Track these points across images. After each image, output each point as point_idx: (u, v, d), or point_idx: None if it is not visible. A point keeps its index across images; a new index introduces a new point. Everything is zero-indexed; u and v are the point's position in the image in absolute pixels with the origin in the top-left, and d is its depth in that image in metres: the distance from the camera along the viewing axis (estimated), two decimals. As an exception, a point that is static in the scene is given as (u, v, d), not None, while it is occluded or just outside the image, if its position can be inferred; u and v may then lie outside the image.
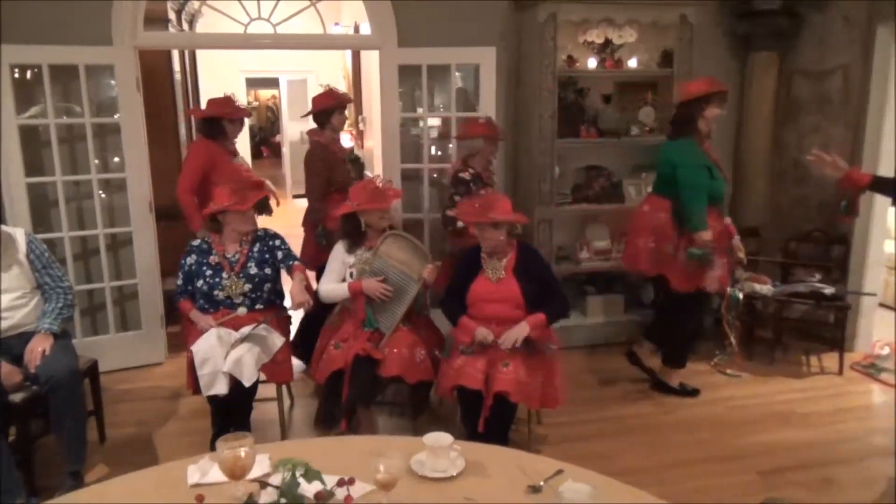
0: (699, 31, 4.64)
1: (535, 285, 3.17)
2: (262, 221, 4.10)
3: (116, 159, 4.35)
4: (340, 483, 1.65)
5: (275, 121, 15.25)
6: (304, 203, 4.29)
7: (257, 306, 3.35)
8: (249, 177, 4.10)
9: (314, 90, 10.84)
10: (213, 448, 1.84)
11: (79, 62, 4.02)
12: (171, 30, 5.17)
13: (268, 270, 3.38)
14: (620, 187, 4.88)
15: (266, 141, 16.19)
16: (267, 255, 3.39)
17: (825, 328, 4.53)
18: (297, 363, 3.84)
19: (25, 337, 2.97)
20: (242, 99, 10.36)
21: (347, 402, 3.15)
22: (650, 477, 3.07)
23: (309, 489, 1.60)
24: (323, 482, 1.59)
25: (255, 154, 14.70)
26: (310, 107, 4.12)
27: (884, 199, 4.16)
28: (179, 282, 3.37)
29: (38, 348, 2.90)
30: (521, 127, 4.70)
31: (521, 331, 3.03)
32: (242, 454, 1.63)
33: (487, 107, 4.50)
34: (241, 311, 3.25)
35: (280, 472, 1.58)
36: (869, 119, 4.43)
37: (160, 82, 5.06)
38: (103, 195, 4.33)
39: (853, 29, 4.50)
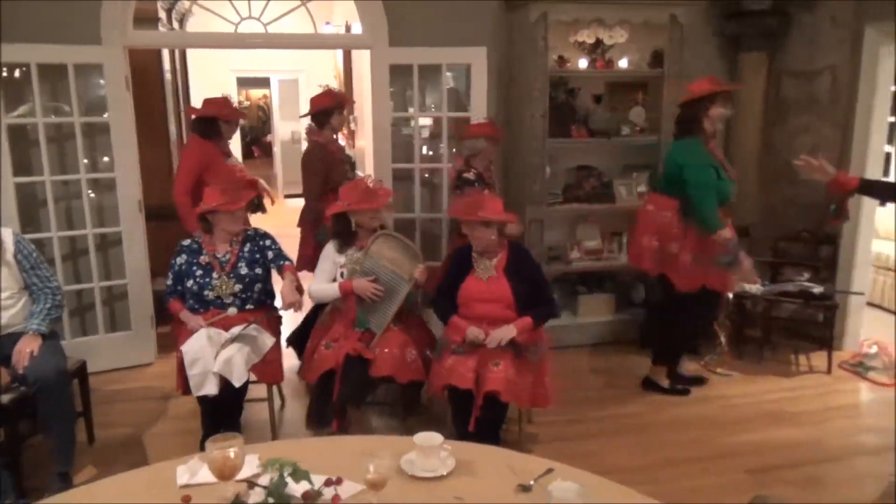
0: (689, 32, 4.66)
1: (526, 285, 3.17)
2: (255, 221, 4.10)
3: (106, 159, 4.32)
4: (328, 483, 1.65)
5: (266, 120, 15.20)
6: (296, 203, 4.29)
7: (248, 306, 3.34)
8: (243, 177, 4.09)
9: (305, 90, 10.89)
10: (202, 449, 1.84)
11: (67, 61, 3.99)
12: (161, 29, 5.15)
13: (258, 270, 3.37)
14: (611, 187, 4.89)
15: (257, 141, 16.13)
16: (257, 255, 3.38)
17: (814, 327, 4.56)
18: (296, 363, 3.84)
19: (13, 338, 2.95)
20: (234, 99, 10.33)
21: (338, 402, 3.15)
22: (640, 476, 3.08)
23: (297, 489, 1.59)
24: (311, 482, 1.59)
25: (247, 154, 14.66)
26: (302, 106, 4.12)
27: (871, 199, 4.22)
28: (169, 282, 3.36)
29: (27, 349, 2.88)
30: (512, 127, 4.70)
31: (507, 332, 3.04)
32: (232, 454, 1.63)
33: (478, 107, 4.51)
34: (232, 311, 3.24)
35: (268, 472, 1.58)
36: (857, 119, 4.47)
37: (150, 82, 5.03)
38: (92, 195, 4.30)
39: (841, 29, 4.54)
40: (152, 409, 3.86)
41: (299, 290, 3.34)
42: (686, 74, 4.65)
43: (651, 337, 4.45)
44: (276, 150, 12.06)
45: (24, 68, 4.04)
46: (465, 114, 4.55)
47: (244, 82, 11.82)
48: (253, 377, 3.21)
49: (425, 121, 4.93)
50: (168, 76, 5.47)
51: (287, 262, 3.41)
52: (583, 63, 4.74)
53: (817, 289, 4.41)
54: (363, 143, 7.37)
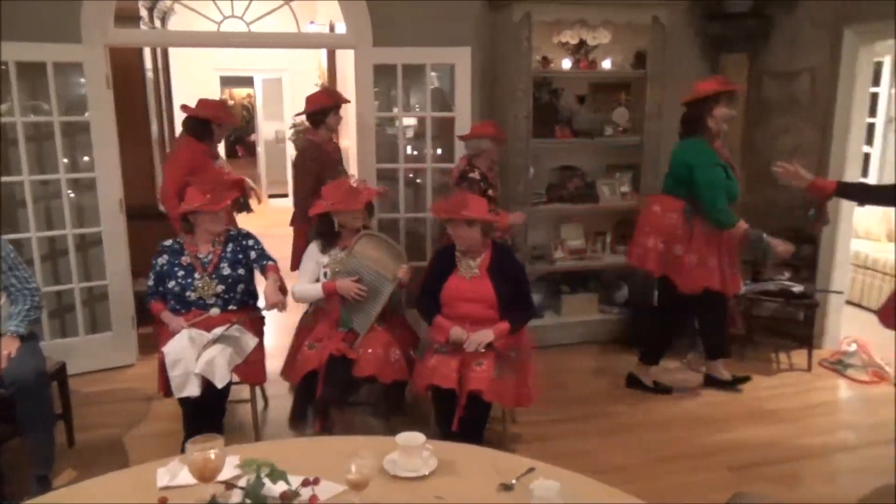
0: (672, 33, 4.69)
1: (509, 285, 3.18)
2: (240, 220, 4.08)
3: (86, 158, 4.28)
4: (305, 483, 1.65)
5: (250, 120, 15.11)
6: (280, 203, 4.28)
7: (230, 307, 3.32)
8: (230, 178, 4.07)
9: (289, 89, 10.84)
10: (184, 451, 1.83)
11: (47, 59, 3.95)
12: (143, 27, 5.11)
13: (241, 271, 3.35)
14: (594, 187, 4.92)
15: (241, 140, 16.01)
16: (240, 256, 3.36)
17: (794, 325, 4.60)
18: (279, 364, 3.81)
19: (-9, 339, 2.91)
20: (217, 98, 10.26)
21: (321, 403, 3.14)
22: (623, 474, 3.10)
23: (275, 490, 1.59)
24: (288, 482, 1.58)
25: (230, 153, 14.54)
26: (286, 105, 4.10)
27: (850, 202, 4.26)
28: (151, 283, 3.33)
29: (4, 351, 2.85)
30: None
31: (485, 336, 3.04)
32: (212, 456, 1.62)
33: (463, 107, 4.51)
34: (214, 311, 3.22)
35: (246, 473, 1.57)
36: (836, 120, 4.51)
37: (132, 80, 4.99)
38: (72, 195, 4.26)
39: (821, 31, 4.58)
40: (133, 411, 3.82)
41: (283, 290, 3.33)
42: (668, 76, 4.70)
43: (641, 336, 4.48)
44: (260, 149, 11.98)
45: (2, 66, 3.98)
46: (449, 114, 4.55)
47: (227, 81, 11.72)
48: (236, 378, 3.19)
49: (410, 121, 4.92)
50: (150, 75, 5.42)
51: (270, 263, 3.39)
52: (566, 64, 4.76)
53: (798, 288, 4.46)
54: (347, 142, 7.35)
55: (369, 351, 3.18)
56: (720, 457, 3.35)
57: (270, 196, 10.88)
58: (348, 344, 3.20)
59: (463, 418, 2.94)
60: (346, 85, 7.16)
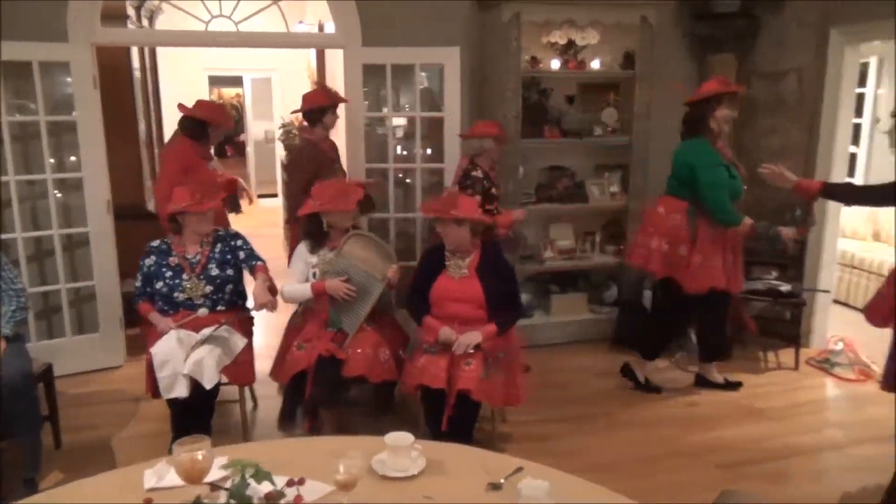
0: (660, 33, 4.71)
1: (498, 286, 3.19)
2: (231, 221, 4.05)
3: (73, 158, 4.25)
4: (290, 483, 1.64)
5: (239, 119, 15.05)
6: (270, 203, 4.26)
7: (219, 308, 3.31)
8: (223, 179, 4.05)
9: (279, 88, 10.80)
10: (172, 452, 1.82)
11: (33, 59, 3.92)
12: (130, 26, 5.07)
13: (229, 271, 3.34)
14: (583, 187, 4.93)
15: (230, 140, 15.93)
16: (228, 256, 3.35)
17: (782, 324, 4.63)
18: (268, 364, 3.79)
19: (-24, 341, 2.89)
20: (205, 97, 10.20)
21: (310, 403, 3.14)
22: (612, 473, 3.10)
23: (261, 490, 1.58)
24: (273, 483, 1.58)
25: (219, 153, 14.45)
26: (276, 105, 4.09)
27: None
28: (138, 284, 3.30)
29: (-10, 352, 2.82)
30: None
31: (473, 338, 3.05)
32: (199, 457, 1.61)
33: (452, 107, 4.51)
34: (202, 311, 3.20)
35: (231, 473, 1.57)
36: (823, 120, 4.55)
37: (119, 80, 4.96)
38: (59, 195, 4.23)
39: (807, 31, 4.61)
40: (121, 412, 3.80)
41: (272, 290, 3.32)
42: (657, 76, 4.73)
43: (631, 335, 4.52)
44: (250, 149, 11.93)
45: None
46: (438, 114, 4.55)
47: (216, 81, 11.66)
48: (224, 379, 3.18)
49: (399, 120, 4.92)
50: (137, 74, 5.39)
51: (259, 263, 3.38)
52: (555, 64, 4.77)
53: (785, 287, 4.49)
54: (336, 142, 7.34)
55: (358, 351, 3.17)
56: (708, 455, 3.37)
57: (260, 196, 10.84)
58: (337, 344, 3.19)
59: (452, 418, 2.94)
60: (336, 85, 7.13)
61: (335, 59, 7.00)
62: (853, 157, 6.18)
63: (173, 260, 3.27)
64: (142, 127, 5.41)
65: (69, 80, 4.08)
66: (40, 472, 2.97)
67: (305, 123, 4.07)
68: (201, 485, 1.64)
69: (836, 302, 5.25)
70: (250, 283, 3.34)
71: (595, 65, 4.82)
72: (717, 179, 3.65)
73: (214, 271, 3.29)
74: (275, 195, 9.91)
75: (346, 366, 3.13)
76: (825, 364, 4.45)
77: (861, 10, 4.24)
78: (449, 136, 4.53)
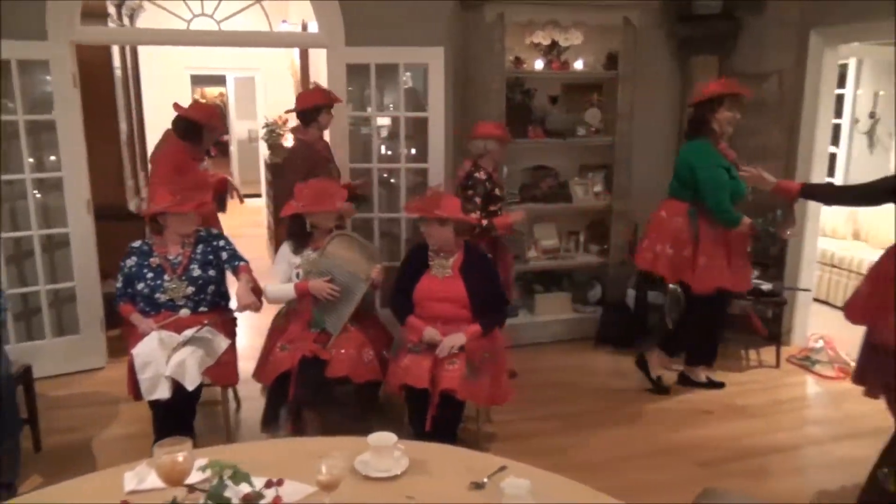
0: (643, 34, 4.75)
1: (481, 286, 3.19)
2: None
3: (53, 157, 4.19)
4: (268, 484, 1.64)
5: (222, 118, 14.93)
6: (253, 203, 4.23)
7: (201, 309, 3.29)
8: (214, 179, 4.02)
9: (262, 88, 10.73)
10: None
11: (11, 57, 3.86)
12: (111, 25, 5.03)
13: (212, 272, 3.31)
14: (567, 187, 4.95)
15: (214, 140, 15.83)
16: (211, 257, 3.32)
17: (763, 323, 4.67)
18: (252, 365, 3.77)
19: (-47, 343, 2.84)
20: (187, 97, 10.12)
21: (294, 404, 3.12)
22: (595, 471, 3.12)
23: (240, 491, 1.58)
24: (251, 484, 1.57)
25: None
26: (259, 104, 4.05)
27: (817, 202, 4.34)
28: (119, 285, 3.27)
29: (-33, 354, 2.78)
30: (469, 127, 4.70)
31: (457, 339, 3.05)
32: (180, 459, 1.60)
33: (436, 107, 4.51)
34: (184, 312, 3.18)
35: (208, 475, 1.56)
36: (803, 122, 4.61)
37: (99, 79, 4.90)
38: (38, 195, 4.17)
39: (788, 33, 4.66)
40: (102, 414, 3.76)
41: (256, 291, 3.30)
42: (639, 77, 4.76)
43: (613, 334, 4.55)
44: (233, 149, 11.85)
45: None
46: (423, 114, 4.55)
47: (199, 80, 11.55)
48: (207, 380, 3.16)
49: (384, 120, 4.91)
50: (118, 73, 5.34)
51: (242, 263, 3.36)
52: (539, 64, 4.79)
53: (766, 286, 4.54)
54: (321, 142, 7.31)
55: (342, 351, 3.16)
56: (690, 453, 3.39)
57: (244, 196, 10.77)
58: (321, 345, 3.18)
59: (436, 418, 2.94)
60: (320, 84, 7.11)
61: (319, 58, 6.97)
62: (833, 157, 6.26)
63: (154, 261, 3.24)
64: (123, 126, 5.36)
65: (48, 78, 4.03)
66: (19, 476, 2.92)
67: (299, 123, 4.02)
68: (182, 487, 1.63)
69: (817, 300, 5.31)
70: (234, 284, 3.32)
71: (578, 65, 4.84)
72: (716, 180, 3.66)
73: (196, 272, 3.26)
74: (258, 195, 9.85)
75: (329, 366, 3.12)
76: (806, 362, 4.50)
77: (840, 12, 4.30)
78: (433, 136, 4.52)
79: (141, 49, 6.59)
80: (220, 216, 4.27)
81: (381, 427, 1.98)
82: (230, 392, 3.67)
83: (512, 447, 3.29)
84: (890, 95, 6.41)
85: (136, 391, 3.03)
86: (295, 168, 3.92)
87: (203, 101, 14.31)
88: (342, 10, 4.35)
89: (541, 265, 4.93)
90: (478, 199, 3.86)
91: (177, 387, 2.98)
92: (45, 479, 3.06)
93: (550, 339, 4.87)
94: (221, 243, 3.37)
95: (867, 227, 5.94)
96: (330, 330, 3.25)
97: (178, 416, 3.14)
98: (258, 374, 3.47)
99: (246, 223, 8.41)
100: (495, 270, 3.40)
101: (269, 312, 3.64)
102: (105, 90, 5.00)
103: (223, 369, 3.21)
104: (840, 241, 6.06)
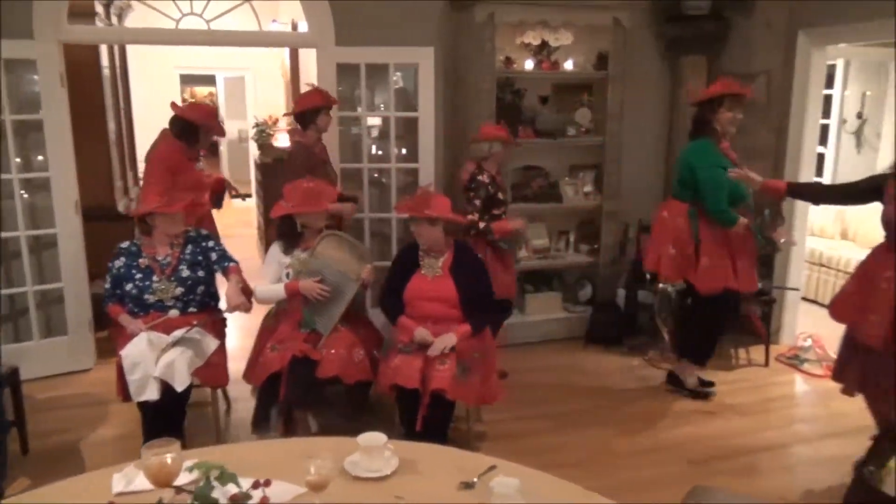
0: (632, 35, 4.76)
1: (471, 285, 3.19)
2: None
3: (40, 157, 4.16)
4: (255, 485, 1.63)
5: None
6: (243, 203, 4.21)
7: (190, 309, 3.27)
8: (210, 179, 4.00)
9: (252, 87, 10.70)
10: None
11: (-3, 56, 3.84)
12: (99, 24, 4.99)
13: (201, 273, 3.30)
14: (557, 187, 4.96)
15: (204, 139, 15.75)
16: (200, 258, 3.31)
17: (752, 322, 4.70)
18: (242, 366, 3.75)
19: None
20: (177, 96, 10.08)
21: (284, 405, 3.11)
22: (584, 470, 3.13)
23: (227, 492, 1.57)
24: (238, 485, 1.56)
25: (192, 153, 14.29)
26: (249, 104, 4.04)
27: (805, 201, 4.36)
28: (107, 286, 3.25)
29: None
30: (459, 127, 4.72)
31: (448, 340, 3.05)
32: (168, 460, 1.59)
33: (427, 107, 4.51)
34: (173, 313, 3.17)
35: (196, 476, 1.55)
36: (791, 122, 4.63)
37: (87, 78, 4.88)
38: (25, 195, 4.14)
39: (776, 34, 4.69)
40: (91, 416, 3.74)
41: (246, 291, 3.28)
42: (629, 77, 4.77)
43: (602, 334, 4.56)
44: (223, 149, 11.79)
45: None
46: (413, 114, 4.55)
47: (188, 79, 11.51)
48: (196, 381, 3.14)
49: (374, 120, 4.90)
50: (107, 73, 5.31)
51: (232, 264, 3.34)
52: (529, 64, 4.79)
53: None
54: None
55: (332, 352, 3.16)
56: (680, 451, 3.41)
57: (233, 196, 10.73)
58: (311, 345, 3.17)
59: (427, 417, 2.94)
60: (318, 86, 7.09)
61: (309, 58, 6.96)
62: (821, 157, 6.31)
63: (143, 262, 3.22)
64: (111, 126, 5.33)
65: (36, 78, 4.00)
66: (6, 479, 2.90)
67: (298, 126, 3.98)
68: (170, 488, 1.62)
69: (805, 299, 5.35)
70: (223, 285, 3.31)
71: (568, 65, 4.85)
72: (715, 180, 3.65)
73: (185, 273, 3.25)
74: (248, 195, 9.83)
75: (320, 367, 3.11)
76: (794, 360, 4.53)
77: (828, 13, 4.33)
78: (424, 136, 4.52)
79: (130, 48, 6.55)
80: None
81: (372, 427, 1.97)
82: (220, 393, 3.66)
83: (502, 447, 3.30)
84: (877, 96, 6.47)
85: (124, 392, 3.01)
86: (294, 170, 3.86)
87: (193, 100, 14.29)
88: (332, 10, 4.34)
89: (531, 265, 4.93)
90: (478, 202, 3.85)
91: (166, 388, 2.97)
92: (32, 482, 3.03)
93: (541, 338, 4.88)
94: (211, 244, 3.36)
95: (855, 226, 5.99)
96: (320, 330, 3.25)
97: (167, 417, 3.12)
98: (248, 374, 3.45)
99: (236, 223, 8.38)
100: (485, 270, 3.40)
101: (258, 313, 3.63)
102: (93, 90, 4.98)
103: (213, 370, 3.20)
104: (828, 240, 6.10)
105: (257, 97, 10.45)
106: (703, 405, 3.94)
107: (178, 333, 3.07)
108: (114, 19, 5.62)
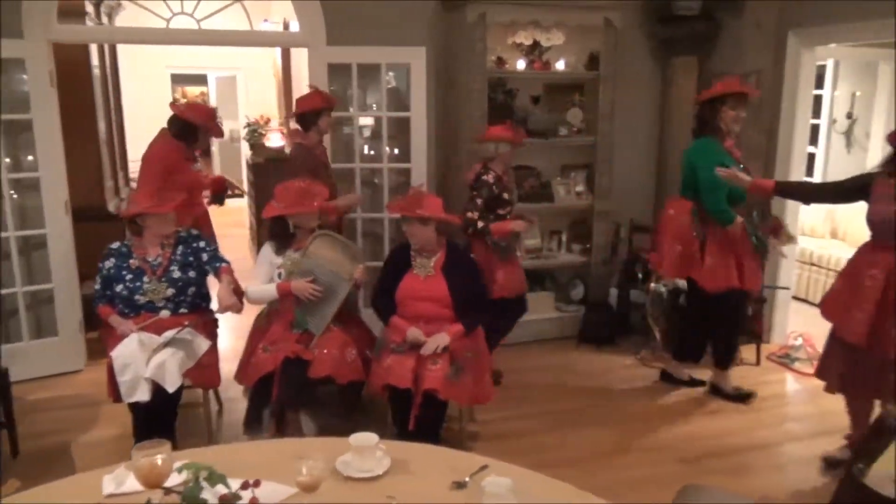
0: (624, 35, 4.77)
1: (463, 285, 3.19)
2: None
3: (30, 157, 4.14)
4: (245, 486, 1.63)
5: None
6: (235, 203, 4.20)
7: (181, 310, 3.26)
8: (208, 180, 4.00)
9: (244, 87, 10.66)
10: (132, 457, 1.79)
11: (-14, 55, 3.81)
12: (89, 23, 4.97)
13: (192, 274, 3.29)
14: (549, 187, 4.97)
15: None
16: (191, 258, 3.29)
17: (744, 321, 4.71)
18: (234, 366, 3.74)
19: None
20: (168, 96, 10.04)
21: (277, 405, 3.10)
22: (577, 469, 3.14)
23: (216, 492, 1.57)
24: (227, 485, 1.56)
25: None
26: (241, 104, 4.03)
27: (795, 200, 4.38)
28: (98, 287, 3.24)
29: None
30: (451, 127, 4.72)
31: (441, 340, 3.05)
32: (158, 462, 1.58)
33: (419, 107, 4.51)
34: (164, 313, 3.15)
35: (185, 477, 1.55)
36: (781, 122, 4.66)
37: (77, 78, 4.86)
38: (15, 195, 4.12)
39: (765, 34, 4.71)
40: (82, 417, 3.72)
41: (237, 292, 3.27)
42: (621, 77, 4.78)
43: (594, 333, 4.54)
44: (215, 149, 11.75)
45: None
46: (405, 113, 4.55)
47: (180, 79, 11.45)
48: (188, 382, 3.13)
49: (366, 120, 4.90)
50: (97, 72, 5.28)
51: (224, 265, 3.33)
52: (521, 64, 4.80)
53: (746, 284, 4.57)
54: (303, 142, 7.27)
55: (325, 352, 3.15)
56: (671, 450, 3.42)
57: (234, 195, 10.69)
58: (304, 345, 3.16)
59: (419, 417, 2.94)
60: (302, 84, 7.08)
61: (301, 58, 6.95)
62: (811, 157, 6.34)
63: (134, 262, 3.21)
64: (102, 126, 5.30)
65: (25, 77, 3.97)
66: (-4, 481, 2.89)
67: (298, 128, 3.96)
68: (160, 489, 1.61)
69: (796, 298, 5.37)
70: (215, 285, 3.30)
71: (560, 65, 4.86)
72: (714, 178, 3.62)
73: (176, 273, 3.23)
74: (240, 195, 9.80)
75: (312, 367, 3.10)
76: (785, 359, 4.55)
77: (818, 13, 4.35)
78: (416, 135, 4.52)
79: (120, 48, 6.52)
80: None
81: (365, 427, 1.97)
82: (212, 394, 3.64)
83: (495, 446, 3.30)
84: (867, 96, 6.51)
85: (115, 393, 2.99)
86: (295, 172, 3.82)
87: (185, 100, 14.23)
88: (323, 10, 4.34)
89: (523, 265, 4.92)
90: (479, 201, 3.84)
91: (157, 389, 2.96)
92: (22, 484, 3.01)
93: (533, 338, 4.88)
94: (202, 244, 3.34)
95: (845, 225, 6.02)
96: (313, 330, 3.24)
97: (158, 418, 3.11)
98: (240, 375, 3.45)
99: (228, 223, 8.34)
100: (479, 270, 3.41)
101: (250, 314, 3.62)
102: (83, 89, 4.95)
103: (204, 371, 3.19)
104: (818, 239, 6.14)
105: (249, 97, 10.41)
106: (699, 405, 3.95)
107: (169, 334, 3.06)
108: (104, 18, 5.59)
